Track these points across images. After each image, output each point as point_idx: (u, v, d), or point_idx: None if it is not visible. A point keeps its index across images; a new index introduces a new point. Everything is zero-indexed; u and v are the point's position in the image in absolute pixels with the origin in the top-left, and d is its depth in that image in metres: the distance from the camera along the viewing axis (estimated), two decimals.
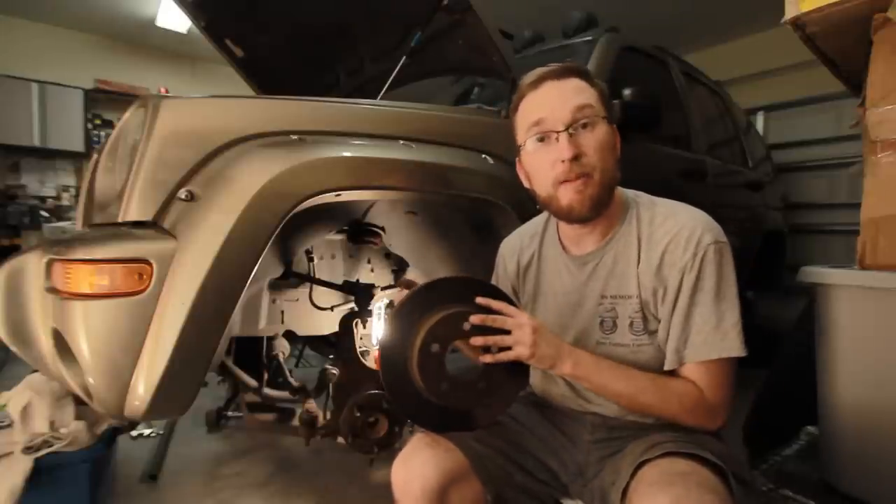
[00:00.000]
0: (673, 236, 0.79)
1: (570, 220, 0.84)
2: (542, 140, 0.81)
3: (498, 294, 0.80)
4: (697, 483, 0.65)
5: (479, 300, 0.76)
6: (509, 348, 0.74)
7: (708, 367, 0.77)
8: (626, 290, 0.83)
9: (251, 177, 0.97)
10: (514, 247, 1.01)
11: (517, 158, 0.91)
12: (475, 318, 0.74)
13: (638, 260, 0.82)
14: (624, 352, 0.82)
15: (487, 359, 0.75)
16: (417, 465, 0.79)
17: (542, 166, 0.82)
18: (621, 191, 0.89)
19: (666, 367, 0.80)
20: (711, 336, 0.76)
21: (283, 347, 1.64)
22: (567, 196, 0.80)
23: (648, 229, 0.83)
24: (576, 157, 0.78)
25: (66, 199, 4.64)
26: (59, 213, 4.49)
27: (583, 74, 0.83)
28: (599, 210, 0.82)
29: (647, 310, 0.81)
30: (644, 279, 0.81)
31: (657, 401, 0.77)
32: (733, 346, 0.77)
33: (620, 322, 0.83)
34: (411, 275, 1.67)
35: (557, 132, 0.79)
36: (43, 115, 4.42)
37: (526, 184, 0.90)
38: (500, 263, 1.04)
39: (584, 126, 0.79)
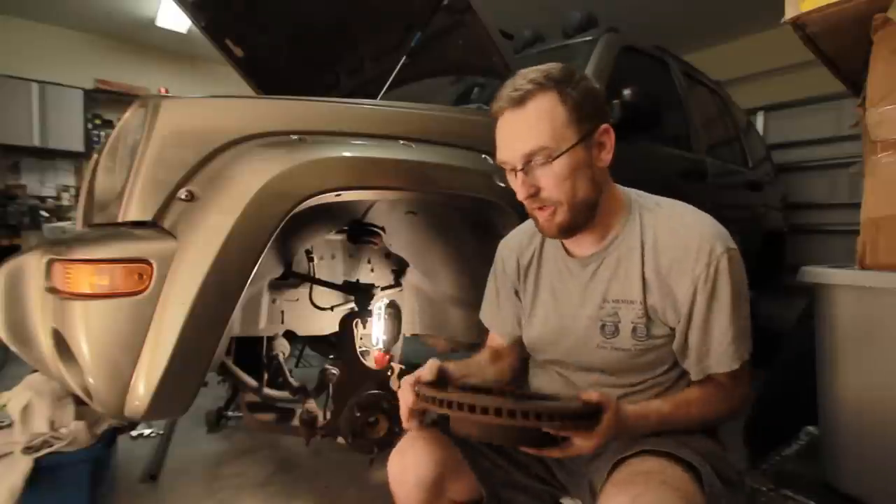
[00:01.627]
0: (683, 244, 0.78)
1: (548, 237, 0.87)
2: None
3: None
4: (660, 482, 0.65)
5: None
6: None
7: (732, 373, 0.79)
8: (629, 294, 0.81)
9: (251, 177, 0.97)
10: (514, 246, 0.99)
11: None
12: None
13: (642, 264, 0.80)
14: (623, 356, 0.82)
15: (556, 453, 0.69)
16: (412, 456, 0.80)
17: (516, 193, 0.82)
18: (621, 190, 0.87)
19: (694, 378, 0.81)
20: (732, 346, 0.78)
21: (283, 347, 1.64)
22: (539, 221, 0.82)
23: (653, 233, 0.81)
24: (532, 195, 0.79)
25: (66, 199, 4.63)
26: (59, 213, 4.48)
27: (548, 89, 0.75)
28: (573, 231, 0.82)
29: (653, 315, 0.80)
30: (650, 284, 0.80)
31: (704, 418, 0.80)
32: (746, 351, 0.79)
33: (622, 327, 0.82)
34: (411, 275, 1.67)
35: (515, 170, 0.79)
36: (43, 115, 4.41)
37: None
38: (498, 262, 1.02)
39: (542, 163, 0.77)
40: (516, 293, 0.98)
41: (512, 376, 0.99)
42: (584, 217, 0.81)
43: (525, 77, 0.77)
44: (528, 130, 0.76)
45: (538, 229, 0.85)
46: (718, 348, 0.78)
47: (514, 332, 0.99)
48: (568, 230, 0.81)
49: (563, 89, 0.76)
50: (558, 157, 0.75)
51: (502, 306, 1.01)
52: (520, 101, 0.76)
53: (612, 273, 0.83)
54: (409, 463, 0.80)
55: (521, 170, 0.77)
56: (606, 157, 0.80)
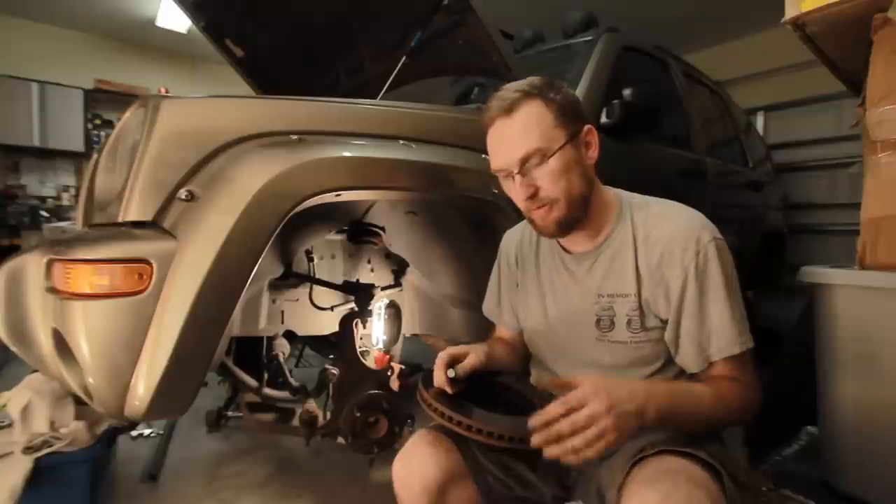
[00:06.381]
0: (671, 235, 0.80)
1: (546, 237, 0.90)
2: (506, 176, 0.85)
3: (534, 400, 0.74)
4: (687, 480, 0.65)
5: (535, 420, 0.65)
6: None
7: (737, 361, 0.78)
8: (623, 288, 0.84)
9: (251, 177, 0.97)
10: (514, 240, 1.04)
11: None
12: (538, 426, 0.64)
13: (636, 258, 0.83)
14: (623, 350, 0.84)
15: (572, 459, 0.63)
16: (419, 461, 0.80)
17: (513, 197, 0.86)
18: (611, 192, 0.90)
19: (693, 370, 0.81)
20: (730, 331, 0.78)
21: (283, 347, 1.64)
22: (536, 221, 0.86)
23: (644, 228, 0.84)
24: (532, 196, 0.82)
25: (66, 199, 4.64)
26: (59, 213, 4.48)
27: (533, 96, 0.80)
28: (570, 227, 0.85)
29: (645, 308, 0.82)
30: (644, 277, 0.82)
31: (724, 413, 0.75)
32: (748, 338, 0.78)
33: (618, 320, 0.84)
34: (411, 275, 1.67)
35: (513, 174, 0.82)
36: (43, 115, 4.42)
37: None
38: (501, 254, 1.07)
39: (537, 164, 0.81)
40: (517, 285, 1.02)
41: (522, 365, 1.02)
42: (580, 212, 0.84)
43: (510, 88, 0.82)
44: (521, 135, 0.80)
45: (537, 231, 0.89)
46: (719, 332, 0.78)
47: (515, 323, 1.03)
48: (565, 226, 0.84)
49: (546, 95, 0.81)
50: (552, 155, 0.80)
51: (503, 299, 1.05)
52: (508, 109, 0.81)
53: (606, 269, 0.86)
54: (416, 468, 0.80)
55: (519, 173, 0.81)
56: (594, 154, 0.86)
